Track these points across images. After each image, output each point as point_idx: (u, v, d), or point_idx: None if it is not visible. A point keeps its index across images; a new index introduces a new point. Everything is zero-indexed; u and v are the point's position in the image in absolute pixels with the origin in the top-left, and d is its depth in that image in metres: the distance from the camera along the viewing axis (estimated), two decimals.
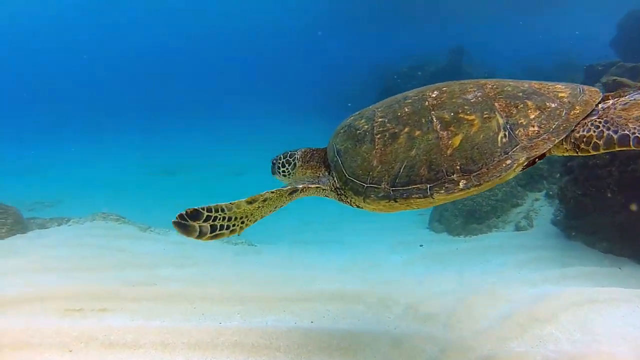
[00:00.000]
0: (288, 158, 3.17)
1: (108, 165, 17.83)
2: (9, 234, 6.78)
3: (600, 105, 2.35)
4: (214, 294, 4.73)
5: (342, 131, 2.79)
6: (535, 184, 8.16)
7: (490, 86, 2.47)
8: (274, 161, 3.27)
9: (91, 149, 21.21)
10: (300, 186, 2.72)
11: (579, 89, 2.43)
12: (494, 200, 7.80)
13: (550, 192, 7.91)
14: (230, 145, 20.68)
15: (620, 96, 2.41)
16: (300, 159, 3.14)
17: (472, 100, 2.41)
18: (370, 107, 2.86)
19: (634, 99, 2.31)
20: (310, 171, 3.10)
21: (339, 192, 2.76)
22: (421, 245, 7.34)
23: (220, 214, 2.53)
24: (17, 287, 4.79)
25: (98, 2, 38.58)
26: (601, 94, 2.42)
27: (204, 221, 2.49)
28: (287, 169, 3.15)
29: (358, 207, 2.76)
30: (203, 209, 2.49)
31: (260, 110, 28.04)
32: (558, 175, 7.68)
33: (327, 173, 2.97)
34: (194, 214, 2.48)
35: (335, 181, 2.73)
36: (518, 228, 7.30)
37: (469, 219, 7.77)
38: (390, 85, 16.59)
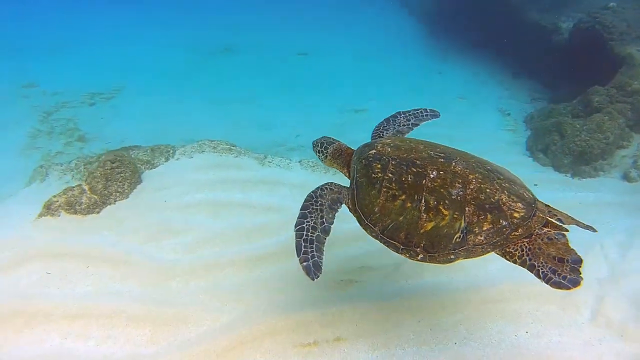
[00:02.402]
0: (323, 149, 3.97)
1: (150, 39, 15.34)
2: (131, 189, 5.84)
3: (537, 231, 2.91)
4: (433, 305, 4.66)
5: (364, 162, 3.37)
6: None
7: (472, 187, 3.00)
8: (315, 144, 4.05)
9: (124, 23, 17.64)
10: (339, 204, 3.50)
11: (531, 212, 2.94)
12: (604, 144, 7.82)
13: None
14: (288, 21, 18.03)
15: (554, 224, 2.96)
16: (331, 155, 3.91)
17: (453, 197, 2.99)
18: (388, 148, 3.34)
19: (557, 239, 2.87)
20: (335, 166, 3.93)
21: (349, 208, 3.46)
22: (535, 185, 7.41)
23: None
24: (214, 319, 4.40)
25: None
26: (545, 219, 2.93)
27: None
28: (320, 156, 4.01)
29: None
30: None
31: None
32: None
33: (347, 173, 3.80)
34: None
35: (348, 200, 3.44)
36: (627, 178, 7.45)
37: (578, 159, 7.88)
38: None
